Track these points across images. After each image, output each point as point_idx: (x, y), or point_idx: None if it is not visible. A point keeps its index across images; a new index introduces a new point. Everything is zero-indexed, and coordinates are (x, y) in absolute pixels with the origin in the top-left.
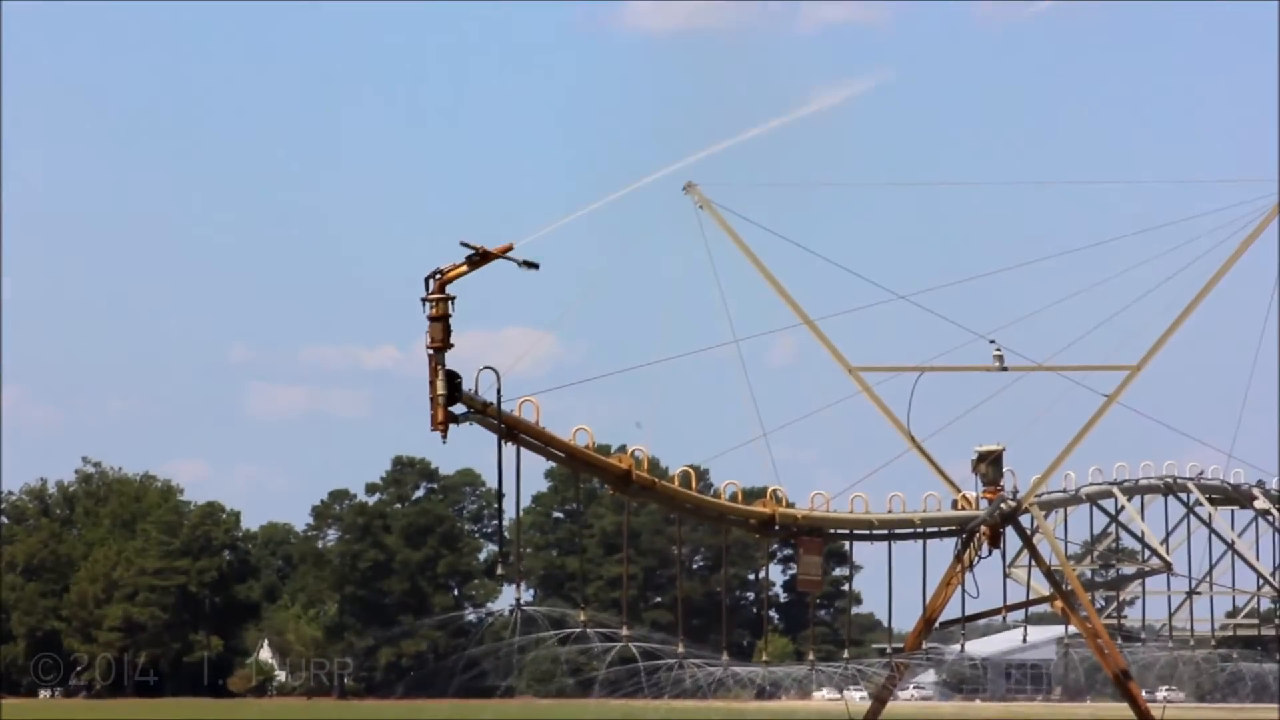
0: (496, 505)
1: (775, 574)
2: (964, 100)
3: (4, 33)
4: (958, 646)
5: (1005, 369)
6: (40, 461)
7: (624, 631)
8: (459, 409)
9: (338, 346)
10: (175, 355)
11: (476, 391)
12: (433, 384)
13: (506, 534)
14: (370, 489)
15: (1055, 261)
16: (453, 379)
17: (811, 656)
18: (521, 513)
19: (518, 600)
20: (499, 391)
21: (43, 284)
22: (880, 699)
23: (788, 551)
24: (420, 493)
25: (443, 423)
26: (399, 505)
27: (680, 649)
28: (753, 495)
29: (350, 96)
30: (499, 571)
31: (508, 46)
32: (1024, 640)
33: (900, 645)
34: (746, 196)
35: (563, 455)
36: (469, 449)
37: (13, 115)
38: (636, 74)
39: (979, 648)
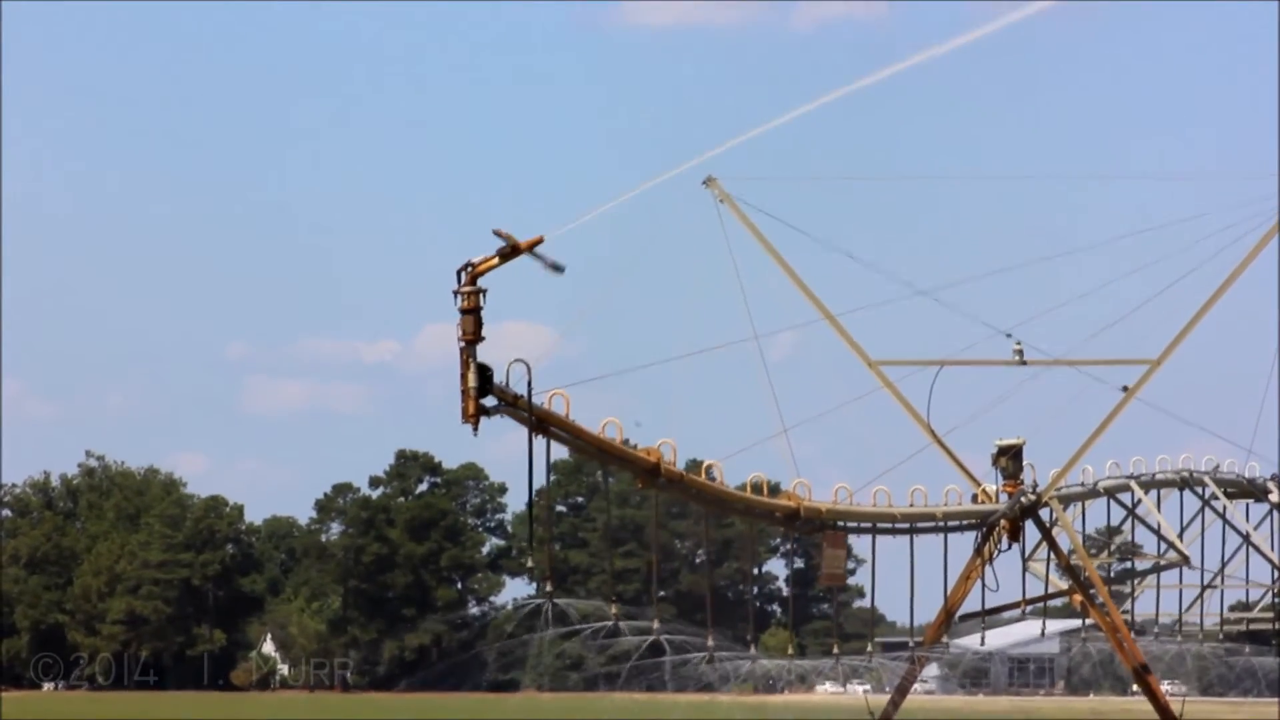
0: (528, 499)
1: (779, 568)
2: (972, 95)
3: (4, 34)
4: (965, 641)
5: (1025, 363)
6: (41, 455)
7: (655, 625)
8: (490, 401)
9: (337, 340)
10: (175, 349)
11: (508, 384)
12: (464, 376)
13: (537, 526)
14: (373, 482)
15: (1074, 256)
16: (484, 372)
17: (836, 650)
18: (526, 506)
19: (549, 594)
20: (529, 384)
21: (42, 279)
22: (901, 691)
23: (791, 545)
24: (423, 486)
25: (474, 415)
26: (402, 499)
27: (710, 642)
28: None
29: (351, 93)
30: (528, 564)
31: (508, 43)
32: (1043, 634)
33: (919, 639)
34: (763, 190)
35: (592, 448)
36: (472, 443)
37: (12, 112)
38: (639, 69)
39: (980, 643)
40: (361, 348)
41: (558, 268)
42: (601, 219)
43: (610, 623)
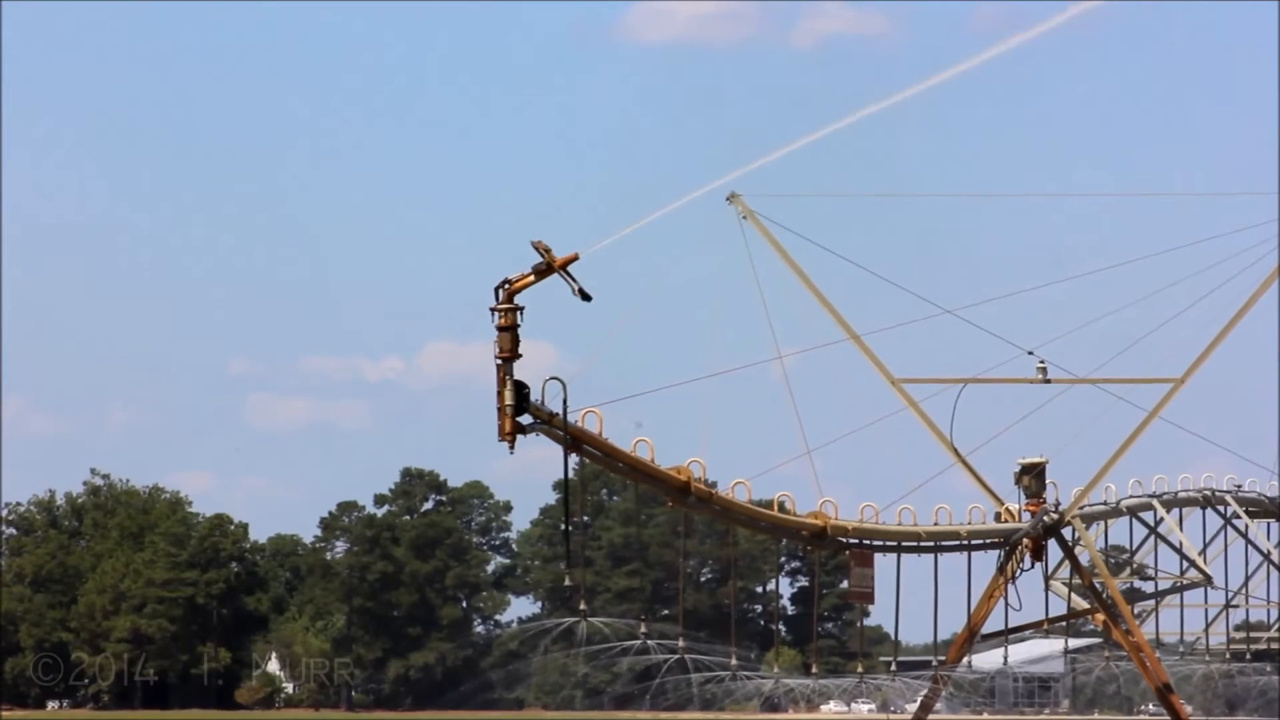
0: (563, 516)
1: (783, 586)
2: (996, 112)
3: (5, 42)
4: (983, 660)
5: (1049, 382)
6: (44, 472)
7: (680, 644)
8: (526, 419)
9: (340, 357)
10: (178, 366)
11: (543, 402)
12: (501, 394)
13: (576, 545)
14: (379, 500)
15: (1097, 276)
16: (521, 389)
17: (859, 669)
18: (531, 524)
19: (583, 611)
20: (565, 402)
21: (44, 294)
22: (925, 708)
23: (795, 564)
24: (429, 504)
25: (511, 433)
26: (407, 517)
27: (734, 661)
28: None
29: (354, 111)
30: (566, 582)
31: (506, 60)
32: (1065, 653)
33: (942, 658)
34: (783, 207)
35: (625, 466)
36: (477, 460)
37: (13, 124)
38: (639, 85)
39: (988, 660)
40: (365, 365)
41: (586, 296)
42: (612, 234)
43: (639, 641)
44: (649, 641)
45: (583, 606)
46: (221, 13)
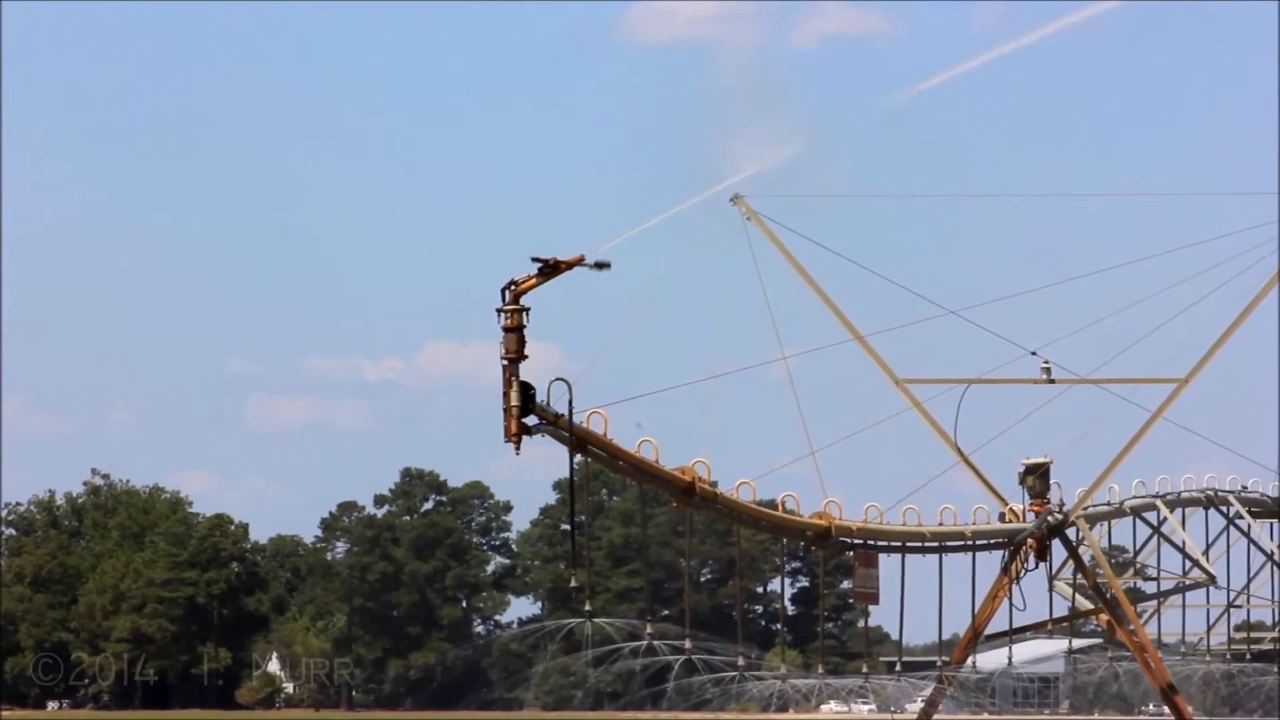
0: (565, 516)
1: (783, 586)
2: (1000, 112)
3: (4, 40)
4: (987, 661)
5: (1052, 381)
6: (44, 473)
7: (687, 645)
8: (532, 420)
9: (340, 358)
10: (177, 366)
11: (549, 403)
12: (507, 395)
13: (580, 546)
14: (379, 501)
15: (1100, 275)
16: (526, 390)
17: (865, 669)
18: (531, 524)
19: (589, 612)
20: (570, 403)
21: (44, 293)
22: (932, 704)
23: (796, 564)
24: (429, 505)
25: (517, 434)
26: (407, 517)
27: (741, 661)
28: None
29: (355, 111)
30: (572, 584)
31: (507, 61)
32: (1069, 653)
33: (946, 658)
34: (786, 208)
35: (629, 467)
36: (477, 460)
37: (12, 124)
38: (639, 86)
39: (991, 660)
40: (365, 365)
41: (603, 265)
42: (617, 235)
43: (646, 641)
44: (655, 642)
45: (588, 607)
46: (221, 13)
